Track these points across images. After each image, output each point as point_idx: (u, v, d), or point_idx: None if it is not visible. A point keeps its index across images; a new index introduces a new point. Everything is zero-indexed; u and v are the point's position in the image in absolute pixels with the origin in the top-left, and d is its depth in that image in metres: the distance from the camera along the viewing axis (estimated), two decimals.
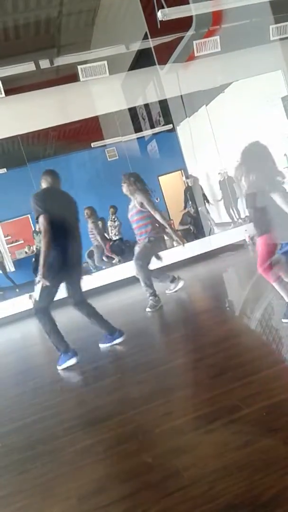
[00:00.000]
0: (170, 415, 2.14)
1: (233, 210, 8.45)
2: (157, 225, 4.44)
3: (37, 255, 6.99)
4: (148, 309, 4.42)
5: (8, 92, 5.94)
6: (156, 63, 6.45)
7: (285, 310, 3.00)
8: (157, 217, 4.37)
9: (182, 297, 4.81)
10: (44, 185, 3.45)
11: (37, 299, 3.31)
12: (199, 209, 8.35)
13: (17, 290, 7.87)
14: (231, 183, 8.13)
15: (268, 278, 2.97)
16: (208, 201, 8.98)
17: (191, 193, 8.51)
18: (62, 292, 3.43)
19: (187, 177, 9.05)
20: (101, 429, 2.21)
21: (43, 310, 3.31)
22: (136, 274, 4.49)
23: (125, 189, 4.43)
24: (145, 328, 4.11)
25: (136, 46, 6.44)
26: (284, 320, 2.98)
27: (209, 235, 7.92)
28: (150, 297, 4.41)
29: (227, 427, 1.87)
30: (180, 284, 4.80)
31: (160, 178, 11.07)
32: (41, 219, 3.17)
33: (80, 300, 3.46)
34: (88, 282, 6.16)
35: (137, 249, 4.52)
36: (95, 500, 1.66)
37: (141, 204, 4.34)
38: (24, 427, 2.53)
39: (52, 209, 3.23)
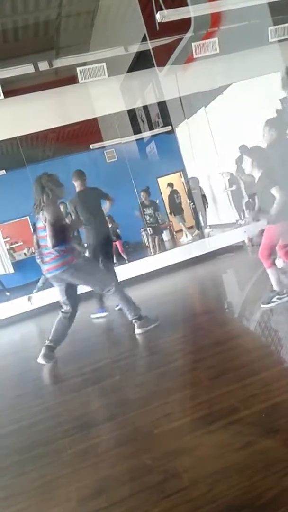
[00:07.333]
0: (169, 417, 2.14)
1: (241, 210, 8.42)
2: None
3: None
4: None
5: (7, 94, 5.94)
6: (155, 64, 6.46)
7: (265, 297, 3.36)
8: None
9: (181, 299, 4.81)
10: None
11: None
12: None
13: (7, 293, 7.71)
14: (232, 183, 8.13)
15: (265, 263, 3.34)
16: (207, 204, 8.97)
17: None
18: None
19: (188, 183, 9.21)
20: (100, 430, 2.21)
21: None
22: None
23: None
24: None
25: (135, 48, 6.44)
26: (262, 306, 3.35)
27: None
28: None
29: (227, 428, 1.88)
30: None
31: (159, 179, 11.10)
32: None
33: None
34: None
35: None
36: (95, 502, 1.66)
37: None
38: (23, 428, 2.53)
39: None
